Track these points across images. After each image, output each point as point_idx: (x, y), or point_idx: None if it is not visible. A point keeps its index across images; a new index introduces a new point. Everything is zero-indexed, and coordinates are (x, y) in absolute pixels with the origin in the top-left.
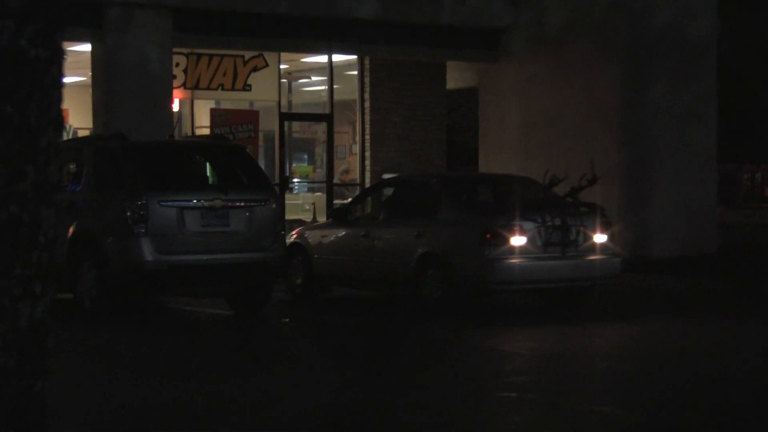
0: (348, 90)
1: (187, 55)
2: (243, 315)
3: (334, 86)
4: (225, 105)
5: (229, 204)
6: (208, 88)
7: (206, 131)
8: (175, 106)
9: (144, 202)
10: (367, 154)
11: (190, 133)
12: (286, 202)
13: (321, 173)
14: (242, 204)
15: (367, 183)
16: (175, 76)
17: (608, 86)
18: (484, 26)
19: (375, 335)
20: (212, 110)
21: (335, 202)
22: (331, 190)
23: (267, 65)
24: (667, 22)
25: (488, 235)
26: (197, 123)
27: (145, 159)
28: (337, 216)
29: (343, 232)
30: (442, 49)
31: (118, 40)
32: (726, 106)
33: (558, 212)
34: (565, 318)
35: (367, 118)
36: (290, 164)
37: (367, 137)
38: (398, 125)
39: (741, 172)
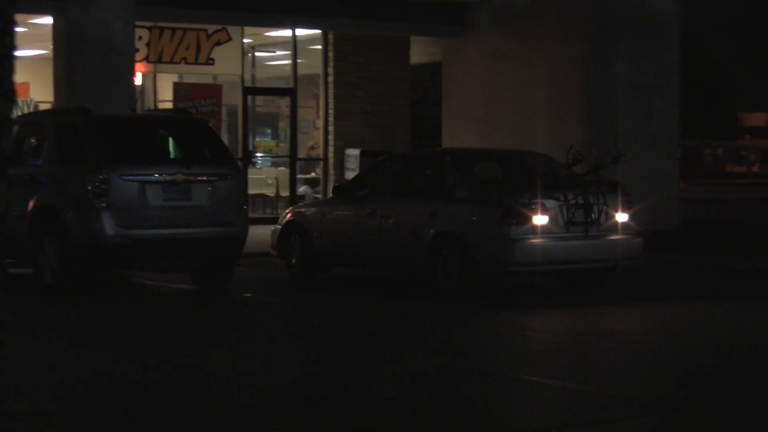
0: (312, 64)
1: (150, 29)
2: (206, 289)
3: (298, 60)
4: (188, 79)
5: (192, 178)
6: (171, 62)
7: (169, 105)
8: (138, 80)
9: (105, 176)
10: (331, 128)
11: (152, 107)
12: (250, 176)
13: (284, 148)
14: (204, 178)
15: (331, 158)
16: (137, 50)
17: (572, 61)
18: (449, 0)
19: (384, 316)
20: (175, 84)
21: (298, 176)
22: (294, 164)
23: (230, 39)
24: None
25: (509, 214)
26: (160, 97)
27: (106, 133)
28: (340, 193)
29: (347, 210)
30: (407, 23)
31: (80, 13)
32: (689, 82)
33: (580, 190)
34: (581, 300)
35: (331, 92)
36: (253, 139)
37: (331, 112)
38: (362, 100)
39: (703, 147)
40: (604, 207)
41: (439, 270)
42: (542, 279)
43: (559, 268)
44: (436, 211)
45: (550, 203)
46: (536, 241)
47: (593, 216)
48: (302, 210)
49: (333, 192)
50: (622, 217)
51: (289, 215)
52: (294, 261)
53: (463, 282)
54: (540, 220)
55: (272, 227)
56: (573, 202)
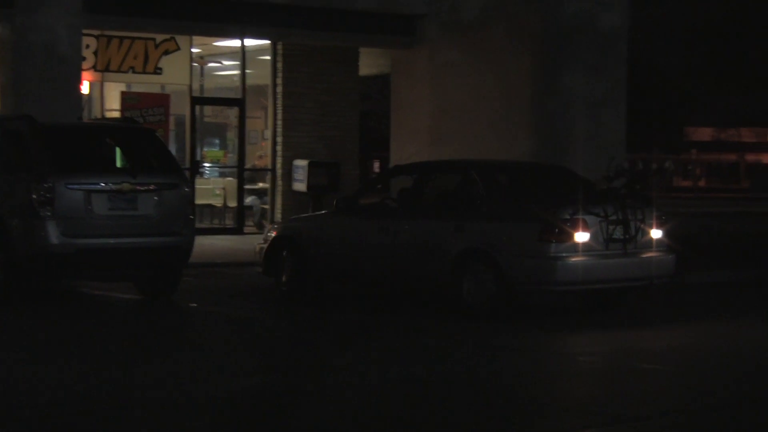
0: (261, 75)
1: (97, 37)
2: (152, 299)
3: (247, 71)
4: (135, 88)
5: (138, 188)
6: (118, 71)
7: (116, 114)
8: (85, 89)
9: (51, 184)
10: (279, 139)
11: (99, 116)
12: (197, 186)
13: (232, 158)
14: (151, 188)
15: (279, 169)
16: (84, 58)
17: (521, 74)
18: (399, 12)
19: (410, 335)
20: (122, 93)
21: (246, 187)
22: (242, 175)
23: (179, 48)
24: (579, 11)
25: (550, 230)
26: (107, 106)
27: (52, 141)
28: (345, 207)
29: (352, 225)
30: (357, 34)
31: (26, 21)
32: (637, 96)
33: (619, 205)
34: (611, 319)
35: (280, 103)
36: (201, 149)
37: (280, 122)
38: (311, 111)
39: (650, 161)
40: (640, 223)
41: (464, 288)
42: (560, 297)
43: (599, 287)
44: (460, 226)
45: (591, 219)
46: (577, 259)
47: (631, 232)
48: (296, 224)
49: (336, 205)
50: (656, 233)
51: (278, 229)
52: (284, 278)
53: (494, 301)
54: (581, 237)
55: (257, 244)
56: (613, 217)
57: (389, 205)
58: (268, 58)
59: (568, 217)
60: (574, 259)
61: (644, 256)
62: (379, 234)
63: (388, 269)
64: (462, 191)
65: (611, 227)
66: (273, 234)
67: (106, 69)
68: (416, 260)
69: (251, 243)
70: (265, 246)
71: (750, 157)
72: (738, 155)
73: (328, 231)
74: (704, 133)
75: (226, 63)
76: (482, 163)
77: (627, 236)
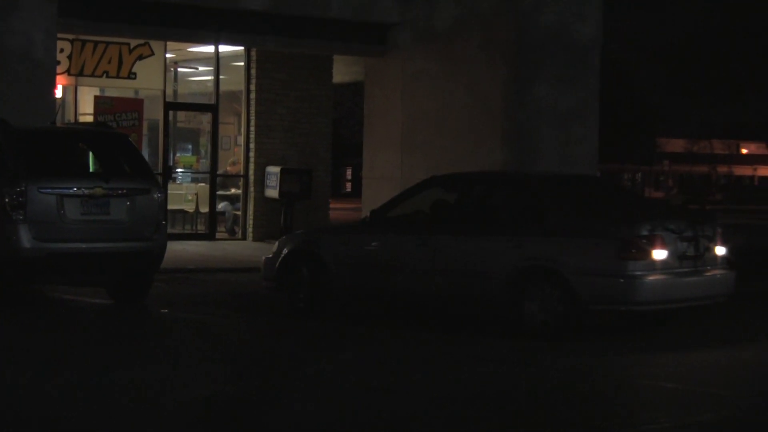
0: (234, 81)
1: (72, 42)
2: (123, 304)
3: (221, 77)
4: (109, 93)
5: (110, 192)
6: (92, 75)
7: (90, 119)
8: (59, 93)
9: (23, 188)
10: (252, 145)
11: (73, 120)
12: (169, 192)
13: (205, 164)
14: (123, 193)
15: (252, 175)
16: (59, 63)
17: (493, 84)
18: (373, 21)
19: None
20: (96, 98)
21: (218, 193)
22: (214, 181)
23: (153, 54)
24: (553, 23)
25: (629, 247)
26: (81, 110)
27: (25, 145)
28: (378, 220)
29: (387, 240)
30: (331, 42)
31: (1, 25)
32: (610, 107)
33: (690, 221)
34: (668, 340)
35: (253, 109)
36: (174, 154)
37: (253, 128)
38: (284, 117)
39: (623, 171)
40: (706, 240)
41: (525, 308)
42: (631, 317)
43: (674, 306)
44: (520, 242)
45: (668, 236)
46: (657, 277)
47: (701, 249)
48: (318, 238)
49: (371, 217)
50: (720, 249)
51: (294, 243)
52: (302, 294)
53: (561, 321)
54: (659, 254)
55: (263, 257)
56: (686, 234)
57: (428, 219)
58: (241, 64)
59: (646, 233)
60: (653, 278)
61: (710, 273)
62: (418, 249)
63: (428, 288)
64: (518, 205)
65: (684, 244)
66: (286, 247)
67: (80, 73)
68: (463, 278)
69: (223, 249)
70: (277, 259)
71: (722, 169)
72: (710, 167)
73: (358, 246)
74: (676, 145)
75: (200, 68)
76: (539, 175)
77: (697, 253)
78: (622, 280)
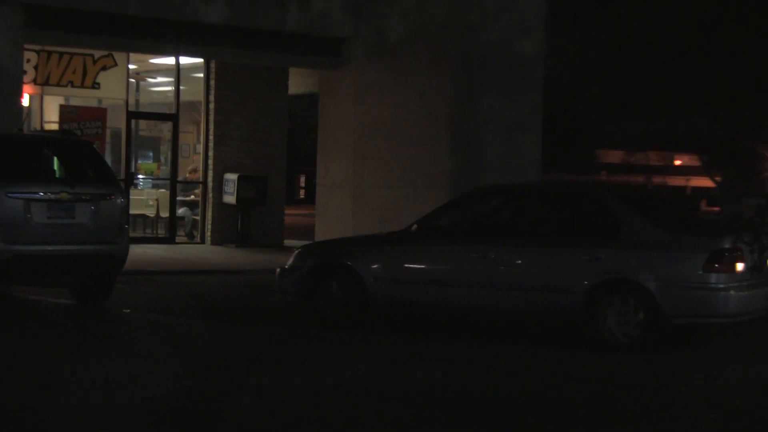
0: (194, 91)
1: (38, 52)
2: (86, 305)
3: (181, 87)
4: (74, 102)
5: (75, 197)
6: (58, 85)
7: (55, 126)
8: (25, 101)
9: None
10: (211, 153)
11: (38, 128)
12: (131, 197)
13: (165, 170)
14: (88, 198)
15: (210, 182)
16: (25, 72)
17: (441, 96)
18: (327, 35)
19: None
20: (61, 106)
21: (178, 198)
22: (174, 187)
23: (116, 65)
24: (497, 38)
25: (717, 260)
26: (46, 118)
27: None
28: (423, 231)
29: (439, 252)
30: (286, 54)
31: None
32: (552, 119)
33: (756, 233)
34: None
35: (212, 118)
36: (136, 161)
37: (211, 137)
38: (241, 127)
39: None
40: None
41: (602, 320)
42: (717, 329)
43: (748, 318)
44: (596, 255)
45: (746, 248)
46: (740, 290)
47: (764, 260)
48: (348, 250)
49: (420, 228)
50: None
51: (315, 256)
52: (331, 308)
53: (642, 334)
54: (741, 266)
55: (278, 269)
56: (755, 246)
57: (483, 231)
58: (201, 75)
59: (729, 246)
60: (737, 290)
61: None
62: (477, 262)
63: (490, 301)
64: (586, 217)
65: (753, 256)
66: (310, 260)
67: (46, 83)
68: (532, 292)
69: (182, 252)
70: (299, 272)
71: (657, 179)
72: (645, 177)
73: (402, 258)
74: (615, 156)
75: (161, 79)
76: (608, 187)
77: (762, 265)
78: (709, 293)
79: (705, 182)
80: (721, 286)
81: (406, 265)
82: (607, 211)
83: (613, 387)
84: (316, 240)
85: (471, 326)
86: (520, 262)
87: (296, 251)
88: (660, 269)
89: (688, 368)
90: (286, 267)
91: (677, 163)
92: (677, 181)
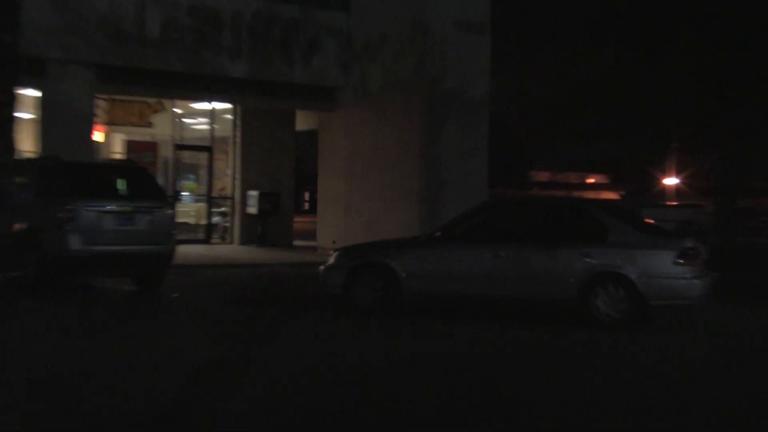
0: (224, 128)
1: (106, 100)
2: (143, 290)
3: (214, 126)
4: (133, 137)
5: (135, 210)
6: (121, 125)
7: (119, 156)
8: (97, 137)
9: (72, 206)
10: (237, 176)
11: (107, 157)
12: (177, 209)
13: (203, 189)
14: (144, 210)
15: (237, 197)
16: (96, 115)
17: (412, 130)
18: (324, 85)
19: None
20: (125, 141)
21: (213, 210)
22: (210, 201)
23: (165, 109)
24: (453, 86)
25: (685, 256)
26: (113, 150)
27: (73, 175)
28: (446, 236)
29: (462, 252)
30: (294, 100)
31: (55, 88)
32: (496, 147)
33: (697, 237)
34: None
35: (238, 149)
36: (180, 182)
37: (238, 163)
38: (260, 155)
39: (506, 193)
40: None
41: (594, 305)
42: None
43: (704, 301)
44: (588, 253)
45: (699, 247)
46: (699, 278)
47: (704, 257)
48: (384, 252)
49: (443, 234)
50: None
51: (355, 257)
52: (370, 298)
53: (629, 314)
54: (698, 261)
55: (321, 267)
56: (700, 246)
57: (496, 235)
58: (229, 116)
59: (692, 245)
60: (698, 279)
61: (710, 276)
62: (494, 260)
63: (504, 291)
64: (578, 223)
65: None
66: (350, 260)
67: (113, 123)
68: (538, 283)
69: (216, 250)
70: (342, 269)
71: (576, 194)
72: (566, 192)
73: (431, 257)
74: (544, 176)
75: (199, 119)
76: (597, 201)
77: (704, 261)
78: (678, 281)
79: (612, 195)
80: (687, 275)
81: (434, 263)
82: (597, 220)
83: (598, 353)
84: (317, 238)
85: (487, 313)
86: (530, 259)
87: (336, 253)
88: (640, 263)
89: (661, 340)
90: (329, 265)
91: (590, 180)
92: (590, 194)
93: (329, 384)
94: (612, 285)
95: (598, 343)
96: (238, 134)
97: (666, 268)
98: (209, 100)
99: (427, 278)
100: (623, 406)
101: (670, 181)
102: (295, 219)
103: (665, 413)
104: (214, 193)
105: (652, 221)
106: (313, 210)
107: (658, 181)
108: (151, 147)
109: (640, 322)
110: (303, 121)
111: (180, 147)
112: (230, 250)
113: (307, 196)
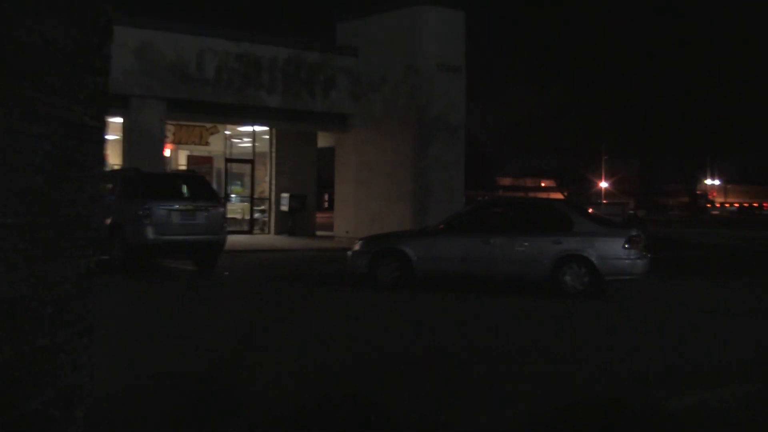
0: (263, 146)
1: (174, 125)
2: (202, 270)
3: (255, 144)
4: (195, 153)
5: (196, 208)
6: (185, 144)
7: (184, 167)
8: (167, 154)
9: (149, 206)
10: (273, 182)
11: (174, 169)
12: (228, 207)
13: (247, 192)
14: (202, 208)
15: (273, 198)
16: (167, 137)
17: (406, 146)
18: (339, 113)
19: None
20: (188, 156)
21: (254, 208)
22: (252, 201)
23: (218, 131)
24: (438, 113)
25: (632, 240)
26: (179, 163)
27: (149, 182)
28: (448, 228)
29: (457, 241)
30: (316, 124)
31: (136, 116)
32: (470, 159)
33: (639, 226)
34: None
35: (273, 162)
36: (230, 187)
37: (273, 172)
38: (290, 166)
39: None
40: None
41: (562, 280)
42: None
43: (645, 276)
44: (559, 240)
45: (642, 235)
46: (642, 258)
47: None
48: (400, 241)
49: (446, 226)
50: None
51: (377, 244)
52: (389, 277)
53: (589, 287)
54: (641, 245)
55: (349, 252)
56: (642, 233)
57: (486, 227)
58: (267, 137)
59: (636, 233)
60: (641, 259)
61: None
62: (485, 246)
63: (493, 270)
64: (550, 218)
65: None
66: (373, 247)
67: (179, 143)
68: (520, 264)
69: (257, 239)
70: (367, 254)
71: (531, 194)
72: (524, 193)
73: (436, 245)
74: (506, 180)
75: (244, 139)
76: (558, 200)
77: (645, 246)
78: (627, 261)
79: (558, 195)
80: (633, 257)
81: (439, 249)
82: (564, 215)
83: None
84: (334, 229)
85: (485, 289)
86: (510, 245)
87: (360, 241)
88: (598, 248)
89: (613, 304)
90: (356, 251)
91: (543, 184)
92: (542, 195)
93: (363, 329)
94: (576, 264)
95: (568, 306)
96: (274, 150)
97: (617, 251)
98: (252, 125)
99: (434, 261)
100: (590, 344)
101: (603, 184)
102: (317, 214)
103: (620, 349)
104: (255, 195)
105: (602, 215)
106: (331, 207)
107: (594, 184)
108: (208, 160)
109: (598, 292)
110: (323, 140)
111: (229, 160)
112: (268, 238)
113: (326, 197)
